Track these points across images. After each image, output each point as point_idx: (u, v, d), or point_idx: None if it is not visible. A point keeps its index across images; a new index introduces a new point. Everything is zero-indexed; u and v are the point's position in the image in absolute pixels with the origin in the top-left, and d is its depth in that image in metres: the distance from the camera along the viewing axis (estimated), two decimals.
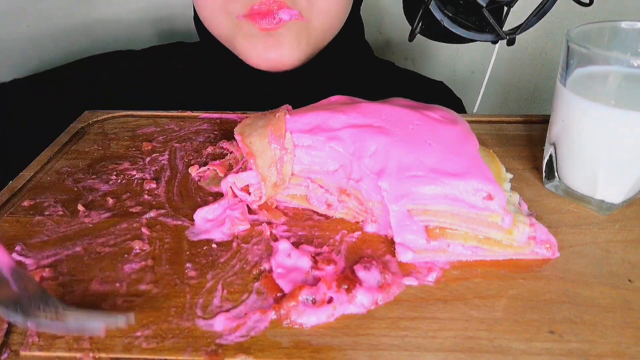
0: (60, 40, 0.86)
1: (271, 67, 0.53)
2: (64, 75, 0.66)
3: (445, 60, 0.92)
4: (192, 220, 0.37)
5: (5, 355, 0.28)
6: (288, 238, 0.35)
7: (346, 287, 0.31)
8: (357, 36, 0.63)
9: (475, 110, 0.59)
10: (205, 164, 0.44)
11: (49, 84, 0.64)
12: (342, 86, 0.59)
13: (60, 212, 0.39)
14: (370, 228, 0.36)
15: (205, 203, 0.39)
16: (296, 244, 0.35)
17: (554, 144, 0.40)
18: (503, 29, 0.47)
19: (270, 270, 0.33)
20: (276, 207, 0.39)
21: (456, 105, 0.68)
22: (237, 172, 0.42)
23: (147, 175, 0.43)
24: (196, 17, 0.59)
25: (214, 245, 0.35)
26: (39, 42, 0.86)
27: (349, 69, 0.62)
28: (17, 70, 0.84)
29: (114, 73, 0.64)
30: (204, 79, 0.61)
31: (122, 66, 0.66)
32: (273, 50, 0.52)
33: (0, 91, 0.64)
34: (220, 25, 0.54)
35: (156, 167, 0.44)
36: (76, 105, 0.55)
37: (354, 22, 0.60)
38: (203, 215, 0.37)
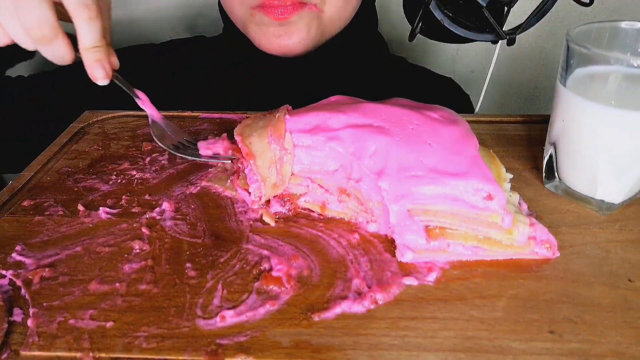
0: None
1: (280, 52, 0.56)
2: (73, 72, 0.65)
3: (445, 60, 0.92)
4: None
5: (5, 355, 0.28)
6: None
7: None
8: (370, 28, 0.65)
9: (476, 110, 0.59)
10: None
11: (59, 80, 0.64)
12: (353, 76, 0.61)
13: (60, 212, 0.39)
14: (370, 228, 0.36)
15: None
16: None
17: (554, 144, 0.40)
18: (503, 29, 0.47)
19: (270, 270, 0.33)
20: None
21: (464, 101, 0.69)
22: (237, 172, 0.42)
23: (147, 175, 0.43)
24: (219, 2, 0.63)
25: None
26: None
27: (360, 59, 0.63)
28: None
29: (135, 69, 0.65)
30: (223, 71, 0.63)
31: (143, 60, 0.67)
32: (284, 37, 0.55)
33: (5, 86, 0.63)
34: (234, 13, 0.58)
35: (156, 167, 0.44)
36: (92, 102, 0.56)
37: (366, 13, 0.62)
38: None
